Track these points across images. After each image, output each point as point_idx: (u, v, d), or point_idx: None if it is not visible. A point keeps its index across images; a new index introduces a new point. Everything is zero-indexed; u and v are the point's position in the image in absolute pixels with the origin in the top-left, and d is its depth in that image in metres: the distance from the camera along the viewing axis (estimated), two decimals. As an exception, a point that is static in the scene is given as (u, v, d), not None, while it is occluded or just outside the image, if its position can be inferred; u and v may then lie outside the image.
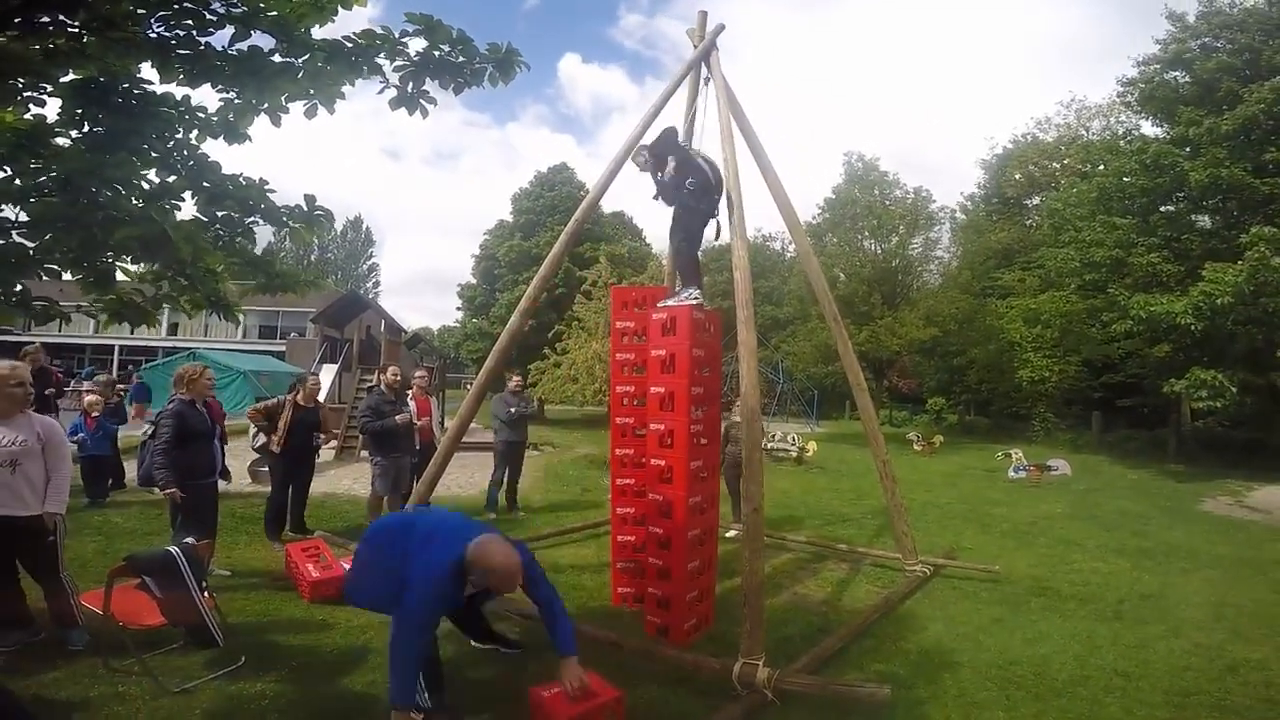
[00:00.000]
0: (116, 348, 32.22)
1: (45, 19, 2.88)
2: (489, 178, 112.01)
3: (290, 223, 3.48)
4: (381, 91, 3.22)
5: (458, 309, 27.18)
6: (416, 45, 3.11)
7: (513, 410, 7.86)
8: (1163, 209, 16.23)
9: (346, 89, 3.32)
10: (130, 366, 29.07)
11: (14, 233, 2.95)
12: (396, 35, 3.13)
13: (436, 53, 3.09)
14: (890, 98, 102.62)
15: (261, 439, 6.41)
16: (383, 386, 6.80)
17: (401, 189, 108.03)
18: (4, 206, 2.91)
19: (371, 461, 6.65)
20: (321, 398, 7.92)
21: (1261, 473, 13.53)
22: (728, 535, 6.42)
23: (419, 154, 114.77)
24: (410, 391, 7.39)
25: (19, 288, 2.96)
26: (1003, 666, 4.02)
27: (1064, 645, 4.42)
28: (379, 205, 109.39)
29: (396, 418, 6.44)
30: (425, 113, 3.25)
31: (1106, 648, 4.41)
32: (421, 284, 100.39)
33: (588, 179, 27.31)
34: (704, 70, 5.44)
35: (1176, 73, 16.82)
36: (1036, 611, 5.11)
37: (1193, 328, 13.63)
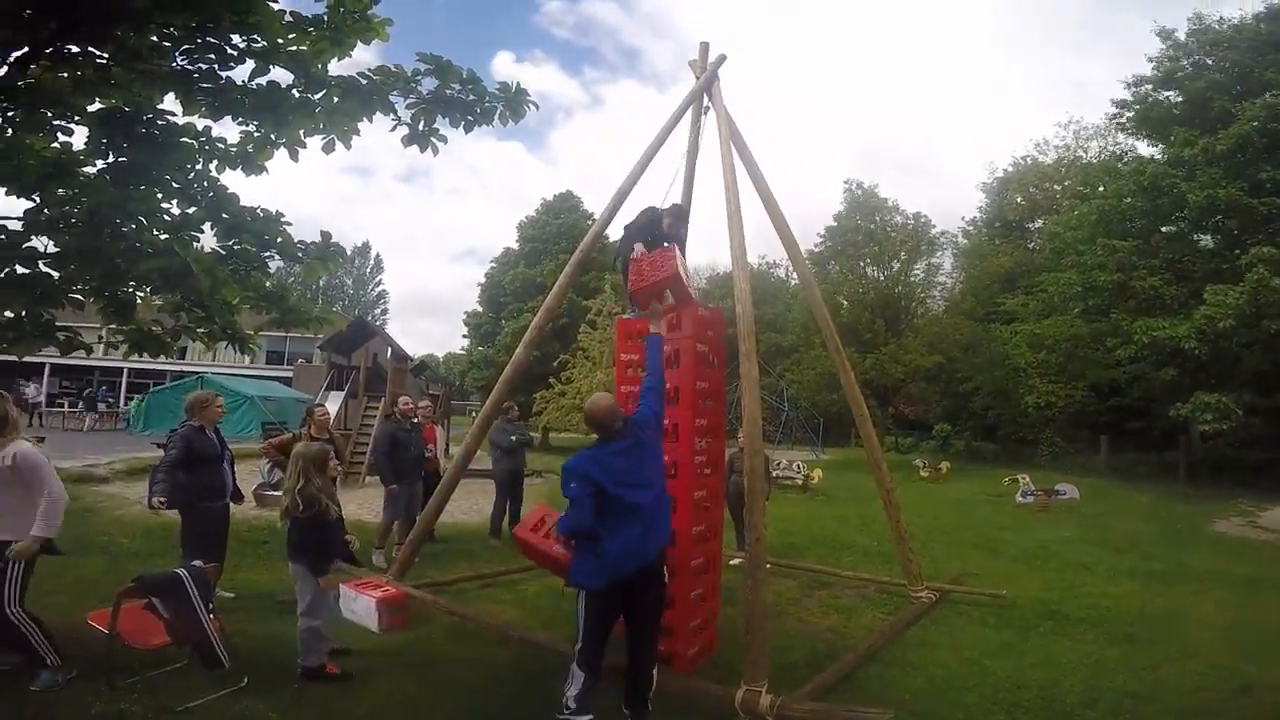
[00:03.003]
0: (125, 370, 32.44)
1: (75, 49, 3.04)
2: (463, 196, 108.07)
3: (305, 258, 3.58)
4: (394, 129, 3.34)
5: (464, 335, 27.39)
6: (428, 84, 3.24)
7: (514, 439, 7.98)
8: (1163, 230, 16.22)
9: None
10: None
11: (40, 263, 3.06)
12: (409, 74, 3.26)
13: (448, 91, 3.22)
14: (869, 82, 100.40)
15: (278, 474, 6.43)
16: (399, 414, 7.00)
17: (377, 209, 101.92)
18: (32, 237, 3.03)
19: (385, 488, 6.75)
20: (328, 425, 8.00)
21: (1273, 493, 13.32)
22: (733, 563, 6.39)
23: (392, 171, 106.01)
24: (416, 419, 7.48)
25: (44, 317, 3.06)
26: (1011, 691, 3.97)
27: (1073, 669, 4.37)
28: (354, 227, 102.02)
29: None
30: (436, 150, 3.36)
31: (1117, 670, 4.36)
32: (407, 308, 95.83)
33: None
34: (705, 101, 5.61)
35: (1169, 92, 16.80)
36: (1045, 635, 5.06)
37: (1196, 351, 13.58)
